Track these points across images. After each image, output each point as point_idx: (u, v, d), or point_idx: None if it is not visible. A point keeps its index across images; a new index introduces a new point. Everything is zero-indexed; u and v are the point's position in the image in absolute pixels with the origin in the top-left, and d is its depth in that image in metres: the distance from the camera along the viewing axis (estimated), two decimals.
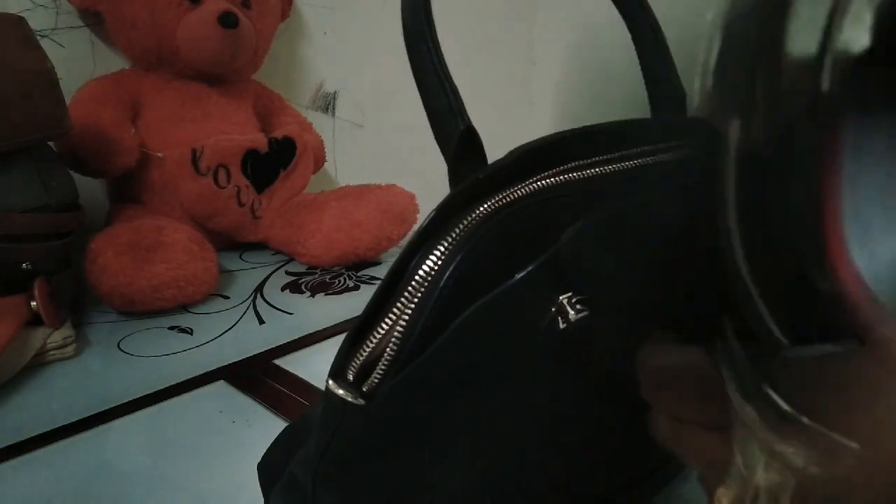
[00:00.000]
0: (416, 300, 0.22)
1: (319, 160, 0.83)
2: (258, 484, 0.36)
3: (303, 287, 0.67)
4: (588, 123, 0.27)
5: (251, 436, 0.41)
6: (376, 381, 0.23)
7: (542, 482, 0.28)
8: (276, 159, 0.73)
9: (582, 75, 1.12)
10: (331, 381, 0.24)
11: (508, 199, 0.23)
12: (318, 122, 0.91)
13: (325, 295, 0.65)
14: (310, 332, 0.56)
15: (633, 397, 0.22)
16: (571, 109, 1.01)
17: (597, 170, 0.25)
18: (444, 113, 0.24)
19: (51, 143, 0.57)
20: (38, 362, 0.50)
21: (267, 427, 0.42)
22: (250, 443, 0.40)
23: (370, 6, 0.94)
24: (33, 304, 0.49)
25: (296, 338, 0.55)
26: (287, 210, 0.74)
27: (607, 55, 1.07)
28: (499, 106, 1.10)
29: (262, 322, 0.58)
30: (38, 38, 0.52)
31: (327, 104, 0.96)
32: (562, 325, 0.22)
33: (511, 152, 0.24)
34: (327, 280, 0.68)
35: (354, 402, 0.23)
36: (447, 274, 0.21)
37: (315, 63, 0.94)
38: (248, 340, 0.54)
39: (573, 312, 0.22)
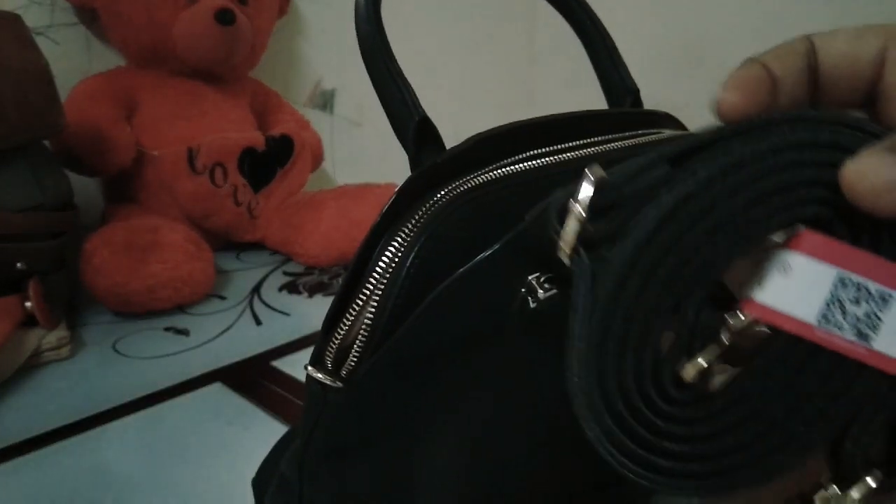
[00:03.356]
0: (382, 284, 0.23)
1: (317, 159, 0.82)
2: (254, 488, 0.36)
3: (300, 287, 0.66)
4: None
5: (248, 438, 0.41)
6: (352, 364, 0.24)
7: (526, 463, 0.27)
8: (273, 158, 0.73)
9: (582, 74, 1.12)
10: (310, 367, 0.24)
11: (469, 185, 0.23)
12: (316, 120, 0.90)
13: (323, 295, 0.64)
14: (307, 334, 0.55)
15: None
16: (571, 107, 1.00)
17: (554, 158, 0.26)
18: (399, 107, 0.26)
19: (45, 142, 0.57)
20: (33, 364, 0.49)
21: (264, 429, 0.42)
22: (247, 445, 0.40)
23: None
24: (28, 304, 0.48)
25: (293, 339, 0.54)
26: (285, 209, 0.73)
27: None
28: (499, 104, 1.10)
29: (259, 323, 0.58)
30: (34, 35, 0.52)
31: (325, 102, 0.96)
32: (532, 305, 0.22)
33: (468, 139, 0.24)
34: (325, 280, 0.68)
35: (333, 385, 0.24)
36: (411, 257, 0.22)
37: (313, 60, 0.93)
38: (245, 342, 0.54)
39: (542, 291, 0.22)
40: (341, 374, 0.24)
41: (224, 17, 0.66)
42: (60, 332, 0.51)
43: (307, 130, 0.82)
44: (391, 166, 0.98)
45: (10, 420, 0.43)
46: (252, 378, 0.48)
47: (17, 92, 0.48)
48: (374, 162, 1.00)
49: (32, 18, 0.65)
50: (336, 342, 0.24)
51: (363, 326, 0.23)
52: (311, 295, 0.65)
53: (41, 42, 0.52)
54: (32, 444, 0.40)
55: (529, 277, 0.22)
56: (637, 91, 0.34)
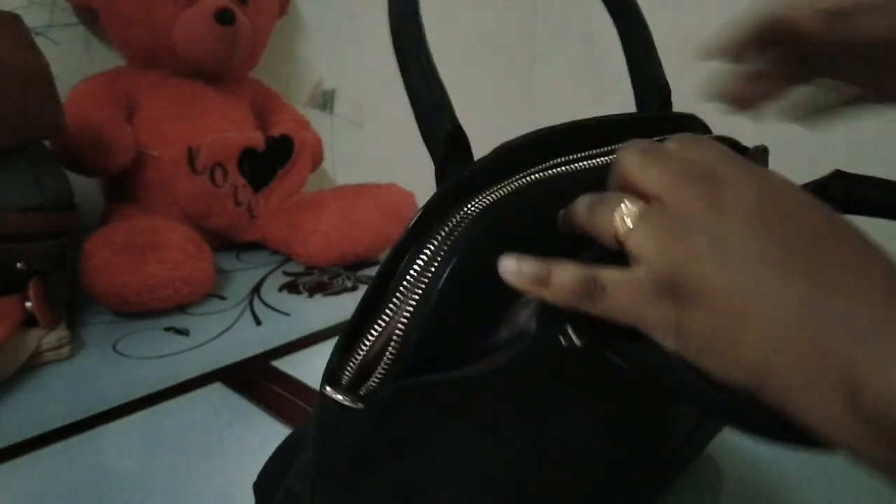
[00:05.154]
0: (412, 299, 0.22)
1: (317, 159, 0.82)
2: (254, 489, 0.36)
3: (300, 287, 0.66)
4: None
5: (248, 438, 0.41)
6: (374, 384, 0.23)
7: (541, 490, 0.27)
8: (273, 158, 0.73)
9: (582, 73, 1.12)
10: (327, 388, 0.23)
11: (498, 195, 0.23)
12: (316, 120, 0.90)
13: (323, 295, 0.64)
14: (307, 334, 0.55)
15: (632, 398, 0.22)
16: (572, 107, 1.00)
17: (580, 165, 0.26)
18: (431, 111, 0.24)
19: (45, 142, 0.57)
20: (33, 364, 0.49)
21: (264, 429, 0.42)
22: (247, 445, 0.40)
23: (369, 2, 0.93)
24: (28, 304, 0.48)
25: (293, 339, 0.54)
26: (285, 209, 0.73)
27: (608, 52, 1.07)
28: (499, 104, 1.10)
29: (259, 323, 0.58)
30: (34, 35, 0.52)
31: (325, 102, 0.96)
32: (564, 343, 0.23)
33: (495, 149, 0.24)
34: (325, 280, 0.68)
35: (353, 406, 0.23)
36: (447, 271, 0.21)
37: (313, 60, 0.93)
38: (245, 342, 0.54)
39: (576, 338, 0.22)
40: (359, 394, 0.23)
41: (224, 17, 0.66)
42: (60, 332, 0.51)
43: (307, 130, 0.82)
44: (391, 166, 0.98)
45: (11, 420, 0.43)
46: (252, 378, 0.48)
47: (17, 92, 0.48)
48: (374, 162, 1.01)
49: (32, 18, 0.65)
50: (358, 358, 0.23)
51: (393, 343, 0.22)
52: (311, 295, 0.65)
53: (41, 42, 0.52)
54: (33, 445, 0.40)
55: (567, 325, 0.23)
56: (667, 89, 0.33)
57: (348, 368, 0.23)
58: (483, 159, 0.24)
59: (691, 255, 0.20)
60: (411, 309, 0.22)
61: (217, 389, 0.47)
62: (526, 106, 1.19)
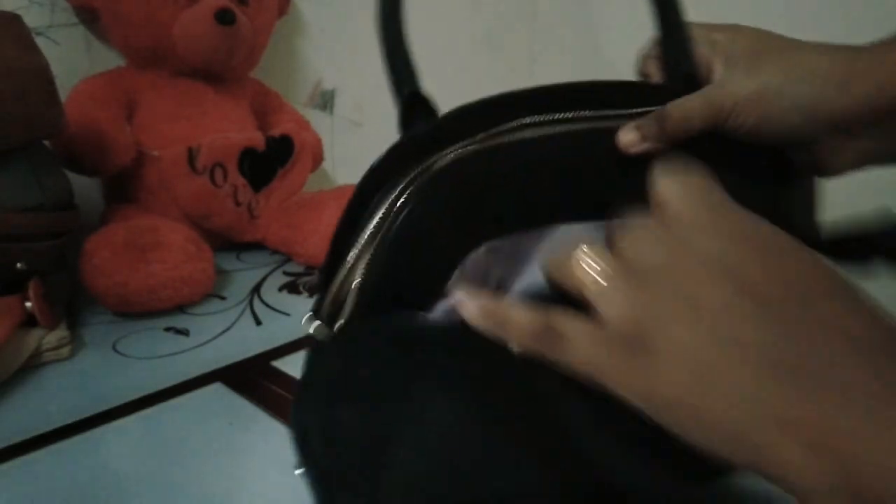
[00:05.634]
0: (372, 247, 0.25)
1: (317, 159, 0.82)
2: (256, 485, 0.36)
3: (300, 287, 0.66)
4: None
5: (248, 438, 0.41)
6: (344, 320, 0.26)
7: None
8: (273, 158, 0.73)
9: (582, 73, 1.12)
10: (304, 319, 0.27)
11: (456, 156, 0.25)
12: (316, 120, 0.90)
13: None
14: (307, 334, 0.55)
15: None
16: None
17: (541, 130, 0.27)
18: (398, 76, 0.28)
19: (45, 142, 0.57)
20: (33, 364, 0.49)
21: (264, 429, 0.42)
22: (247, 445, 0.40)
23: (369, 2, 0.93)
24: (28, 304, 0.48)
25: (293, 339, 0.54)
26: (285, 209, 0.73)
27: (608, 52, 1.07)
28: None
29: (259, 323, 0.58)
30: (34, 35, 0.52)
31: (325, 102, 0.96)
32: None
33: (455, 109, 0.26)
34: None
35: (320, 337, 0.26)
36: (400, 219, 0.24)
37: (313, 60, 0.93)
38: (245, 342, 0.54)
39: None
40: (332, 328, 0.26)
41: (224, 17, 0.66)
42: (60, 332, 0.51)
43: (307, 130, 0.82)
44: None
45: (11, 420, 0.43)
46: (252, 378, 0.48)
47: (17, 92, 0.48)
48: None
49: (32, 18, 0.65)
50: (331, 293, 0.26)
51: (357, 280, 0.25)
52: (311, 295, 0.64)
53: (41, 42, 0.52)
54: (33, 445, 0.40)
55: None
56: (691, 76, 0.31)
57: (326, 302, 0.26)
58: (444, 117, 0.26)
59: (653, 307, 0.20)
60: (371, 255, 0.25)
61: (217, 389, 0.47)
62: None
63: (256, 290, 0.66)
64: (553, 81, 0.28)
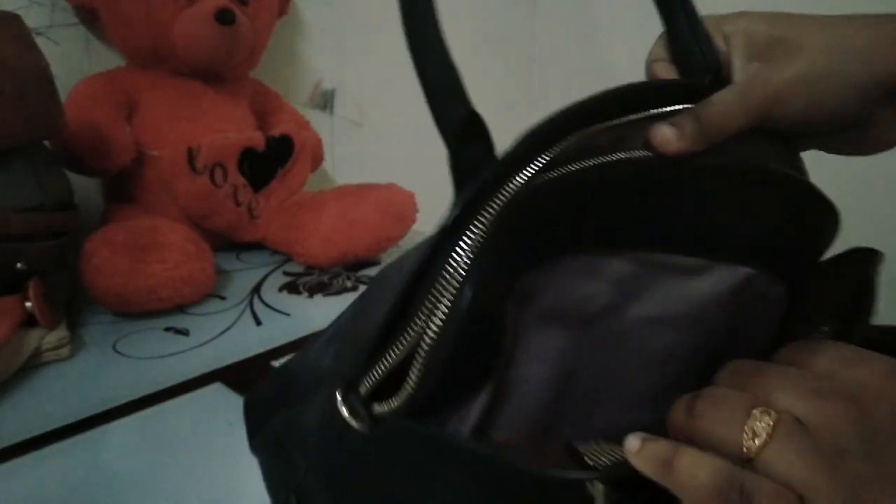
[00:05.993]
0: (443, 306, 0.20)
1: (317, 159, 0.82)
2: (256, 485, 0.36)
3: (300, 287, 0.66)
4: None
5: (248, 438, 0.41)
6: (391, 408, 0.21)
7: None
8: (273, 158, 0.73)
9: (583, 73, 1.12)
10: (340, 397, 0.22)
11: (530, 184, 0.21)
12: (316, 120, 0.90)
13: (323, 296, 0.64)
14: (307, 334, 0.55)
15: None
16: None
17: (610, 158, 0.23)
18: (444, 94, 0.22)
19: (45, 142, 0.57)
20: (33, 364, 0.49)
21: None
22: (247, 445, 0.40)
23: (369, 2, 0.93)
24: (28, 304, 0.48)
25: (293, 339, 0.54)
26: (285, 209, 0.73)
27: (608, 52, 1.07)
28: (500, 104, 1.10)
29: (259, 323, 0.58)
30: (34, 35, 0.52)
31: (325, 102, 0.96)
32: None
33: (519, 138, 0.22)
34: (325, 280, 0.68)
35: (361, 428, 0.22)
36: (477, 274, 0.20)
37: (313, 60, 0.93)
38: (245, 342, 0.54)
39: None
40: (373, 413, 0.21)
41: (224, 17, 0.66)
42: (60, 332, 0.51)
43: (307, 130, 0.82)
44: (391, 166, 0.98)
45: (11, 420, 0.43)
46: (252, 378, 0.48)
47: (17, 92, 0.48)
48: (374, 162, 1.01)
49: (32, 18, 0.65)
50: (382, 370, 0.21)
51: (417, 356, 0.20)
52: (311, 295, 0.65)
53: (41, 42, 0.52)
54: (33, 444, 0.40)
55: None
56: (717, 66, 0.28)
57: (369, 379, 0.21)
58: (511, 149, 0.22)
59: (856, 480, 0.18)
60: (442, 318, 0.20)
61: (217, 389, 0.47)
62: (526, 107, 1.19)
63: (256, 290, 0.66)
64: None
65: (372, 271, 0.71)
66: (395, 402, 0.21)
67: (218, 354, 0.52)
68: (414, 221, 0.73)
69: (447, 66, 0.22)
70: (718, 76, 0.28)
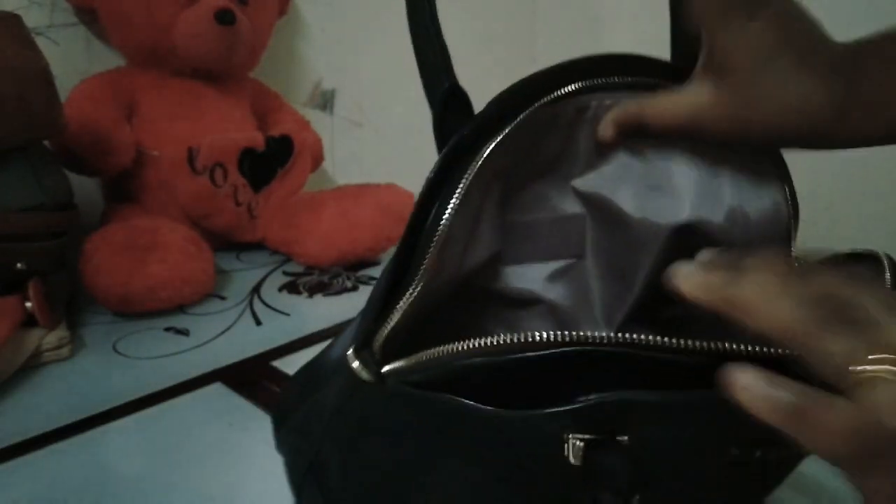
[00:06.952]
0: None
1: (317, 159, 0.82)
2: (256, 485, 0.36)
3: (300, 287, 0.66)
4: None
5: (248, 438, 0.41)
6: (401, 366, 0.23)
7: None
8: (273, 158, 0.73)
9: None
10: (351, 353, 0.24)
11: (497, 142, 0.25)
12: (316, 120, 0.90)
13: (323, 296, 0.64)
14: (307, 334, 0.55)
15: None
16: None
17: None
18: (432, 69, 0.26)
19: (45, 142, 0.57)
20: (33, 364, 0.49)
21: (264, 429, 0.41)
22: (247, 445, 0.40)
23: (369, 2, 0.93)
24: (28, 304, 0.48)
25: (293, 339, 0.54)
26: (285, 209, 0.73)
27: (608, 51, 1.07)
28: None
29: (259, 323, 0.58)
30: (34, 35, 0.52)
31: (325, 102, 0.96)
32: (573, 461, 0.22)
33: (490, 103, 0.26)
34: (325, 280, 0.68)
35: (371, 381, 0.24)
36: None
37: (313, 60, 0.93)
38: (245, 342, 0.54)
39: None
40: (380, 370, 0.24)
41: (224, 17, 0.66)
42: (60, 332, 0.51)
43: (307, 131, 0.82)
44: (391, 166, 0.98)
45: (10, 420, 0.43)
46: (252, 378, 0.48)
47: (17, 93, 0.48)
48: (374, 162, 1.01)
49: (32, 18, 0.65)
50: (390, 323, 0.24)
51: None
52: (311, 295, 0.65)
53: (41, 42, 0.52)
54: (33, 445, 0.40)
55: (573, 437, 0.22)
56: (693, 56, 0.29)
57: (380, 334, 0.24)
58: (481, 113, 0.26)
59: None
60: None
61: (217, 389, 0.47)
62: None
63: (256, 290, 0.66)
64: None
65: (372, 271, 0.71)
66: (401, 363, 0.23)
67: (218, 354, 0.52)
68: None
69: (438, 44, 0.26)
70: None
